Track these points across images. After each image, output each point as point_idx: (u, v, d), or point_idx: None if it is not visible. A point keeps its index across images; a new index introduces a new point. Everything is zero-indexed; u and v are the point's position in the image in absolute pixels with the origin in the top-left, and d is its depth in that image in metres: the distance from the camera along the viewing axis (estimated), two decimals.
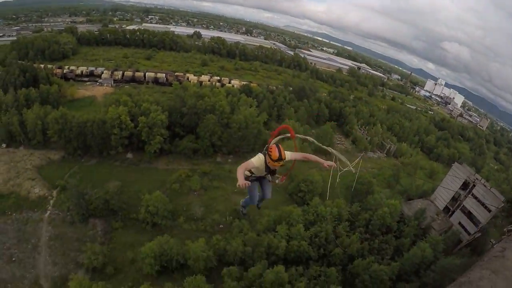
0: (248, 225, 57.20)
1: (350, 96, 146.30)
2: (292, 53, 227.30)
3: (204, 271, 49.10)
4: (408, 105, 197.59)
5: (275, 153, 7.88)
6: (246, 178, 9.02)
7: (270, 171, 8.95)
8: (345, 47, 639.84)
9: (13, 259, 54.29)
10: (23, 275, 52.54)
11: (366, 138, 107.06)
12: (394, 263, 53.12)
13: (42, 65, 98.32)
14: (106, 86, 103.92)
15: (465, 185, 68.96)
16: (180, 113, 79.46)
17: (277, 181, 9.80)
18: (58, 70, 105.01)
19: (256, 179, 9.59)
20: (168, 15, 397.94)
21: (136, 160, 75.46)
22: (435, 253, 56.85)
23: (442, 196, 73.47)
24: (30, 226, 58.98)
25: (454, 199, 71.33)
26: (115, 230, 58.99)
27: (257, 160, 8.52)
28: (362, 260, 53.37)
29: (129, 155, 76.09)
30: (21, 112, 73.21)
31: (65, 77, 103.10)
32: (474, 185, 66.61)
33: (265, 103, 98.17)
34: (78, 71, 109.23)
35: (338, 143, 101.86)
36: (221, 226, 60.76)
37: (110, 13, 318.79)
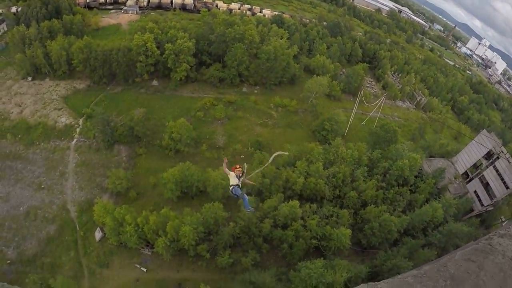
0: (268, 158, 57.19)
1: (387, 40, 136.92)
2: None
3: (222, 199, 50.62)
4: (446, 60, 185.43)
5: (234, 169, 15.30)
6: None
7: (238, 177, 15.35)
8: None
9: (42, 186, 57.54)
10: (51, 201, 55.85)
11: (398, 86, 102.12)
12: (405, 217, 53.44)
13: None
14: (131, 13, 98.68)
15: (488, 155, 66.29)
16: (207, 41, 76.69)
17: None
18: (81, 0, 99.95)
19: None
20: None
21: (162, 87, 74.70)
22: (446, 215, 56.82)
23: (464, 160, 71.36)
24: (58, 154, 61.24)
25: (475, 166, 69.33)
26: (139, 156, 60.54)
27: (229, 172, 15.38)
28: (374, 207, 53.92)
29: (155, 83, 75.38)
30: (45, 44, 71.86)
31: (88, 6, 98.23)
32: (498, 157, 63.92)
33: (297, 36, 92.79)
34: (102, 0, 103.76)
35: (368, 86, 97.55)
36: (242, 156, 61.28)
37: None
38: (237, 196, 15.68)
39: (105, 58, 69.16)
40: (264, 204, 49.48)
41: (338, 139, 62.17)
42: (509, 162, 62.88)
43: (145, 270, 47.75)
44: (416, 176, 63.68)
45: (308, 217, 49.85)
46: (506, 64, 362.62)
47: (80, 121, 65.95)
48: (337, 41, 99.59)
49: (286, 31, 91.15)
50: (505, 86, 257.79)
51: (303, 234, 47.17)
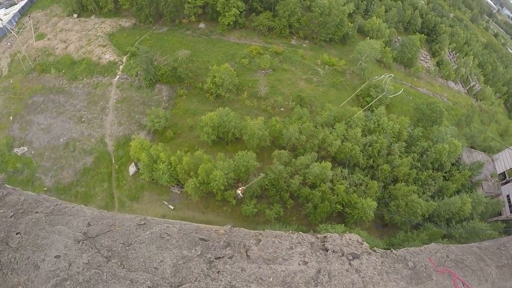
0: (308, 114, 55.85)
1: (450, 14, 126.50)
2: None
3: (256, 149, 50.49)
4: (509, 49, 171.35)
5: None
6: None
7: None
8: None
9: (83, 119, 58.92)
10: (90, 133, 57.31)
11: (453, 66, 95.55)
12: (433, 202, 51.86)
13: None
14: None
15: None
16: None
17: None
18: None
19: None
20: None
21: (208, 31, 72.73)
22: (473, 211, 54.60)
23: (505, 160, 67.42)
24: (100, 90, 61.94)
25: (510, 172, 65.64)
26: (180, 97, 60.29)
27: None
28: (405, 185, 52.48)
29: (202, 25, 73.37)
30: None
31: None
32: None
33: None
34: None
35: (422, 60, 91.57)
36: (282, 109, 59.91)
37: None
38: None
39: None
40: (297, 160, 48.89)
41: (381, 108, 59.34)
42: None
43: (172, 207, 49.36)
44: (452, 164, 61.29)
45: (337, 181, 49.27)
46: None
47: (124, 59, 66.11)
48: (397, 5, 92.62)
49: None
50: None
51: (329, 197, 46.86)
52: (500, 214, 63.27)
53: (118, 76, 63.90)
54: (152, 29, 72.26)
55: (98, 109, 59.92)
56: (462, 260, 4.94)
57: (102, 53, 66.91)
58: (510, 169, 65.97)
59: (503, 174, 67.24)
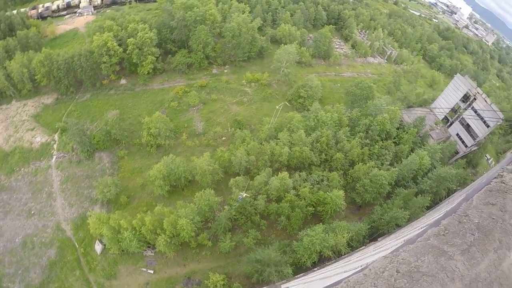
0: (250, 134, 56.68)
1: None
2: None
3: (212, 184, 50.07)
4: (411, 11, 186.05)
5: None
6: None
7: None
8: None
9: (32, 212, 55.41)
10: (45, 224, 53.84)
11: (366, 43, 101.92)
12: (393, 169, 54.09)
13: (14, 11, 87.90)
14: (87, 15, 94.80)
15: (465, 98, 67.67)
16: (169, 28, 73.95)
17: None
18: (33, 12, 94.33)
19: None
20: None
21: (131, 84, 72.19)
22: (433, 161, 58.15)
23: (442, 106, 72.65)
24: (40, 176, 58.97)
25: (454, 110, 70.71)
26: (122, 159, 58.87)
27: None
28: (362, 165, 54.42)
29: (123, 81, 72.76)
30: (4, 66, 68.07)
31: (41, 17, 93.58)
32: (475, 99, 65.31)
33: (258, 8, 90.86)
34: (54, 7, 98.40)
35: (337, 48, 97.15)
36: (223, 138, 60.22)
37: None
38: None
39: (68, 67, 66.17)
40: (254, 181, 49.10)
41: (315, 104, 61.74)
42: (485, 101, 64.21)
43: (152, 271, 47.24)
44: (397, 128, 64.59)
45: (299, 186, 50.00)
46: (471, 8, 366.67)
47: (56, 137, 63.73)
48: (299, 7, 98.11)
49: (247, 5, 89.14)
50: (472, 29, 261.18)
51: (298, 203, 47.36)
52: (457, 152, 67.59)
53: (55, 156, 61.37)
54: (75, 98, 70.50)
55: (44, 196, 56.90)
56: (417, 268, 4.70)
57: (32, 137, 64.28)
58: (450, 111, 70.95)
59: (445, 118, 72.16)
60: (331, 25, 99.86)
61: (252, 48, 78.01)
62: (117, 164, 58.49)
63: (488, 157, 76.92)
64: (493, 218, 3.83)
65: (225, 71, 76.44)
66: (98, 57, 66.57)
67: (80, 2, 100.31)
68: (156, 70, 72.48)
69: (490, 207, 4.11)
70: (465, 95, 67.34)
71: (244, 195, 47.07)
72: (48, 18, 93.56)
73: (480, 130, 64.14)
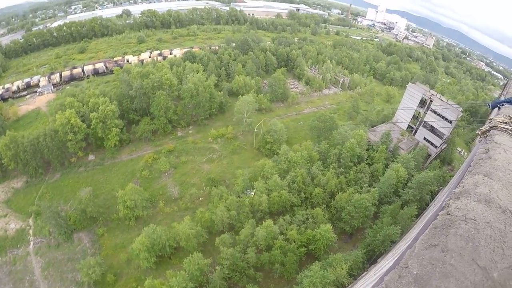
0: (226, 190, 56.49)
1: (295, 39, 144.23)
2: (227, 8, 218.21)
3: (198, 247, 48.74)
4: (353, 37, 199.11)
5: None
6: None
7: None
8: None
9: None
10: None
11: (319, 77, 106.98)
12: (373, 189, 54.90)
13: None
14: (47, 93, 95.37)
15: (422, 102, 71.44)
16: (129, 98, 75.24)
17: None
18: None
19: None
20: (91, 0, 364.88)
21: (99, 159, 71.37)
22: (408, 170, 59.76)
23: (403, 116, 76.14)
24: (20, 264, 55.41)
25: (415, 117, 74.26)
26: (102, 237, 56.59)
27: None
28: (342, 193, 54.87)
29: (91, 157, 71.94)
30: None
31: (2, 98, 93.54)
32: (431, 101, 69.06)
33: (211, 65, 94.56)
34: (14, 87, 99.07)
35: (293, 87, 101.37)
36: (200, 198, 59.57)
37: (31, 15, 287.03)
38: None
39: (34, 148, 64.98)
40: (240, 235, 48.21)
41: (283, 147, 62.91)
42: (441, 100, 68.00)
43: None
44: (367, 150, 66.32)
45: (286, 230, 49.41)
46: (406, 20, 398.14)
47: (30, 221, 60.61)
48: (249, 57, 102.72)
49: (200, 64, 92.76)
50: (412, 38, 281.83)
51: (289, 247, 46.56)
52: (430, 155, 69.73)
53: (32, 242, 57.69)
54: (45, 180, 68.21)
55: (27, 285, 52.79)
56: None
57: (6, 224, 60.51)
58: (412, 119, 74.22)
59: (409, 127, 75.26)
60: (282, 67, 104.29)
61: (212, 105, 79.92)
62: (98, 243, 55.95)
63: (460, 149, 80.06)
64: (433, 264, 3.73)
65: (190, 131, 77.33)
66: (63, 136, 66.02)
67: (39, 81, 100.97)
68: (122, 142, 72.36)
69: (431, 250, 4.05)
70: (421, 100, 71.10)
71: (251, 191, 47.29)
72: (9, 99, 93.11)
73: (444, 128, 67.14)
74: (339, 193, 55.46)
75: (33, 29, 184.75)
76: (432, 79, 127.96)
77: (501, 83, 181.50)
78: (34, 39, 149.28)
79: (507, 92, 68.82)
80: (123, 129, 72.18)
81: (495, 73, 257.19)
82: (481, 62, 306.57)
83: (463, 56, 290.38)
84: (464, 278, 3.47)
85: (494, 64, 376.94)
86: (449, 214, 4.62)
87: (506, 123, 8.88)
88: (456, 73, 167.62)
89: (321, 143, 65.74)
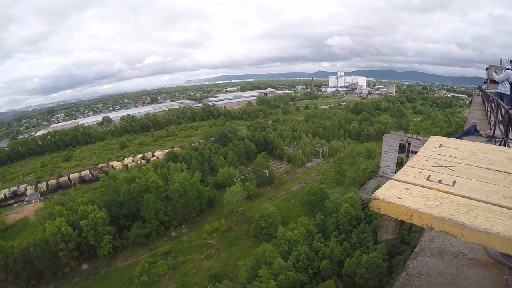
0: (231, 284, 53.93)
1: (268, 122, 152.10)
2: (201, 105, 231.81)
3: None
4: (322, 107, 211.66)
5: None
6: None
7: None
8: (246, 80, 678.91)
9: None
10: None
11: (298, 152, 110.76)
12: (379, 245, 53.74)
13: None
14: (35, 202, 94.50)
15: (402, 148, 74.14)
16: (118, 204, 75.10)
17: None
18: None
19: None
20: (73, 109, 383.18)
21: (94, 268, 67.67)
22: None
23: (388, 167, 78.11)
24: None
25: (399, 163, 76.33)
26: None
27: None
28: (350, 259, 53.20)
29: (85, 266, 68.36)
30: None
31: None
32: (409, 144, 71.89)
33: (194, 161, 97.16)
34: (1, 195, 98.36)
35: (276, 168, 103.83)
36: None
37: (15, 123, 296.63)
38: None
39: (24, 259, 61.66)
40: None
41: (280, 228, 62.30)
42: (418, 139, 70.57)
43: None
44: (362, 209, 65.93)
45: None
46: (365, 77, 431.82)
47: None
48: (229, 148, 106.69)
49: (183, 163, 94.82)
50: (375, 92, 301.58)
51: None
52: None
53: None
54: None
55: None
56: None
57: None
58: (396, 167, 75.65)
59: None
60: (262, 152, 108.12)
61: (201, 201, 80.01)
62: None
63: None
64: None
65: (184, 230, 75.99)
66: (54, 245, 63.24)
67: (26, 189, 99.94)
68: (115, 248, 69.68)
69: None
70: (400, 146, 73.64)
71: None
72: None
73: None
74: (347, 259, 53.67)
75: (18, 137, 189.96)
76: (404, 122, 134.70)
77: (467, 102, 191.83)
78: (20, 148, 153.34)
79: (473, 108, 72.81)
80: (115, 235, 70.29)
81: (458, 95, 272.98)
82: (443, 91, 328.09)
83: (425, 91, 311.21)
84: None
85: (455, 87, 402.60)
86: (408, 274, 4.92)
87: None
88: (424, 109, 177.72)
89: (316, 216, 65.54)
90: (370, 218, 64.04)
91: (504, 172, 4.12)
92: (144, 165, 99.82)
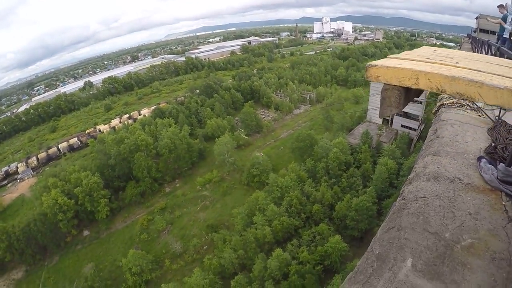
0: (227, 232, 56.11)
1: (253, 71, 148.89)
2: (183, 58, 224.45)
3: None
4: (307, 53, 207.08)
5: None
6: None
7: None
8: (228, 29, 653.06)
9: None
10: None
11: (286, 99, 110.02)
12: (369, 189, 55.78)
13: None
14: (28, 178, 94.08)
15: None
16: (109, 167, 75.06)
17: None
18: None
19: None
20: (52, 79, 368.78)
21: (94, 233, 69.54)
22: (396, 160, 61.12)
23: (376, 112, 78.42)
24: None
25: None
26: None
27: None
28: (341, 202, 55.22)
29: (86, 232, 70.07)
30: None
31: None
32: None
33: (181, 116, 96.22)
34: None
35: (264, 116, 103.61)
36: (205, 247, 58.48)
37: None
38: None
39: (27, 236, 63.16)
40: (254, 271, 47.27)
41: (271, 175, 63.40)
42: None
43: None
44: (351, 154, 67.41)
45: (297, 254, 48.83)
46: (351, 23, 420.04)
47: None
48: (215, 99, 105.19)
49: (170, 118, 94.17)
50: (362, 38, 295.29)
51: (305, 269, 45.77)
52: (412, 139, 71.46)
53: None
54: (45, 265, 65.28)
55: None
56: None
57: None
58: (381, 110, 76.32)
59: (384, 120, 77.30)
60: (249, 101, 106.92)
61: (191, 154, 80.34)
62: None
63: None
64: (390, 242, 4.14)
65: (177, 185, 77.04)
66: (53, 217, 64.45)
67: (17, 167, 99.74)
68: (113, 211, 71.06)
69: (389, 232, 4.42)
70: None
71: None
72: None
73: (416, 110, 70.03)
74: (338, 203, 55.73)
75: (0, 117, 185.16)
76: None
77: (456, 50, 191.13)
78: (4, 127, 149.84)
79: None
80: (111, 198, 71.31)
81: (447, 43, 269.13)
82: (431, 38, 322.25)
83: (413, 38, 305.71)
84: (417, 245, 3.97)
85: (444, 35, 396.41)
86: (404, 198, 5.01)
87: (451, 98, 9.57)
88: None
89: (306, 161, 66.72)
90: (359, 163, 65.77)
91: (501, 65, 3.96)
92: (132, 125, 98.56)
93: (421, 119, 71.46)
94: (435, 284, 3.48)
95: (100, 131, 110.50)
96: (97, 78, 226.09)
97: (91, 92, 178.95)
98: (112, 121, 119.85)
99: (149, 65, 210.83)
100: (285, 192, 58.39)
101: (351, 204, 53.15)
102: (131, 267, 53.21)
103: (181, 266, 56.81)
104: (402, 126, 74.02)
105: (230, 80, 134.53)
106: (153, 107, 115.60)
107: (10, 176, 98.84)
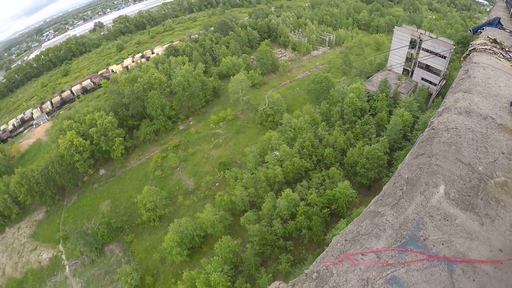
0: (239, 170, 57.10)
1: (271, 8, 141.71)
2: None
3: (225, 231, 49.69)
4: None
5: None
6: None
7: None
8: None
9: None
10: None
11: (304, 40, 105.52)
12: (382, 138, 54.93)
13: None
14: (43, 123, 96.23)
15: (412, 43, 70.04)
16: (123, 106, 75.37)
17: None
18: None
19: None
20: (61, 22, 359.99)
21: (110, 171, 72.39)
22: (413, 113, 59.27)
23: (396, 61, 75.05)
24: None
25: (408, 59, 73.04)
26: (131, 243, 57.93)
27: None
28: (353, 148, 55.00)
29: (102, 171, 73.07)
30: None
31: (1, 140, 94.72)
32: (421, 40, 67.67)
33: (195, 53, 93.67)
34: (10, 126, 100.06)
35: (281, 56, 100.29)
36: (217, 184, 60.31)
37: (6, 54, 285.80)
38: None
39: (45, 178, 66.30)
40: (263, 209, 48.98)
41: (285, 116, 62.77)
42: (431, 37, 66.70)
43: None
44: (368, 101, 65.76)
45: (306, 195, 49.97)
46: None
47: (60, 247, 62.37)
48: (231, 37, 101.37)
49: (184, 56, 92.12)
50: None
51: (312, 211, 47.10)
52: (431, 94, 69.11)
53: (67, 266, 59.54)
54: (64, 205, 69.88)
55: None
56: (358, 232, 4.06)
57: (38, 256, 62.43)
58: (405, 62, 73.14)
59: (404, 70, 74.28)
60: (265, 39, 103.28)
61: (206, 92, 79.77)
62: (129, 250, 57.42)
63: None
64: (421, 167, 4.11)
65: (191, 123, 77.60)
66: (69, 158, 67.07)
67: (32, 113, 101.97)
68: (128, 149, 73.02)
69: (419, 158, 4.39)
70: (411, 41, 69.70)
71: (276, 153, 49.05)
72: (9, 139, 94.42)
73: (439, 64, 66.07)
74: (350, 148, 55.59)
75: (12, 66, 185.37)
76: (417, 18, 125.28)
77: (488, 9, 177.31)
78: (16, 76, 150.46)
79: (495, 9, 67.32)
80: (126, 136, 72.80)
81: (479, 0, 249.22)
82: None
83: None
84: (450, 174, 3.95)
85: None
86: (433, 128, 4.98)
87: (484, 44, 9.03)
88: (440, 8, 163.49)
89: (321, 104, 65.50)
90: (374, 111, 64.16)
91: None
92: (145, 64, 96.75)
93: (443, 75, 68.04)
94: (469, 215, 3.52)
95: (112, 71, 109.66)
96: (107, 19, 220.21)
97: (102, 33, 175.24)
98: (124, 60, 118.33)
99: (161, 3, 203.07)
100: (298, 134, 58.25)
101: (363, 151, 52.88)
102: (145, 203, 55.74)
103: (194, 202, 59.09)
104: (422, 79, 70.74)
105: (247, 18, 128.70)
106: (166, 45, 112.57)
107: (26, 123, 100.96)
